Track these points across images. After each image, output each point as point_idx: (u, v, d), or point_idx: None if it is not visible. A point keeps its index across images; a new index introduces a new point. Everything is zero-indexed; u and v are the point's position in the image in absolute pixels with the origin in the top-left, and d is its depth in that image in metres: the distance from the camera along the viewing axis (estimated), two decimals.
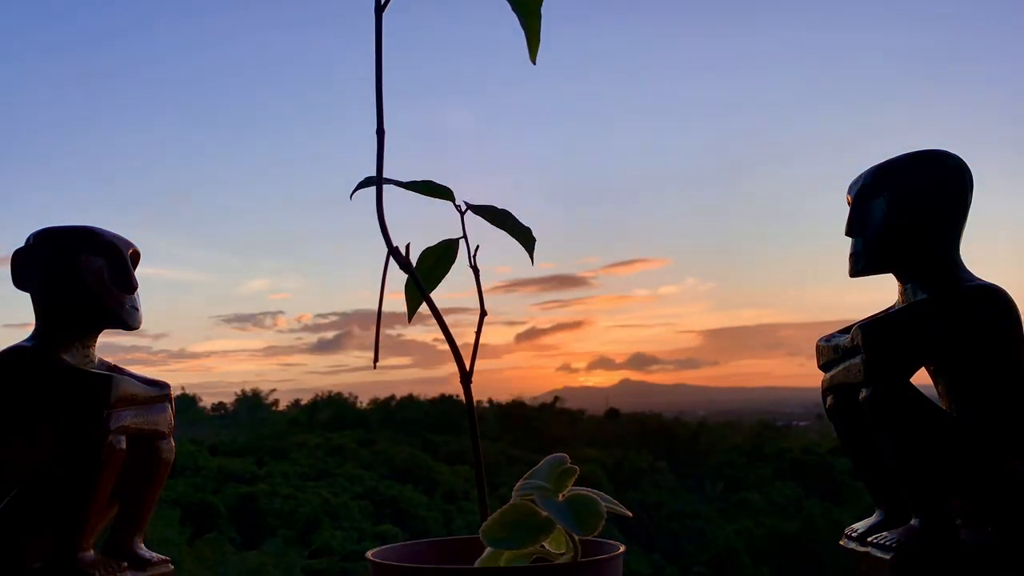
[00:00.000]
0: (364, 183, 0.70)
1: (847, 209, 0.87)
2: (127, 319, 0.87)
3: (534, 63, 0.68)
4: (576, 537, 0.59)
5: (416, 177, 0.72)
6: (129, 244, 0.90)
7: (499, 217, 0.73)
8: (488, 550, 0.60)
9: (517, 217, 0.74)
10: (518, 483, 0.61)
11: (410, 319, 0.72)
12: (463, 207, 0.73)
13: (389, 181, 0.70)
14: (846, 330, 0.85)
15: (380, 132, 0.70)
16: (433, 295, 0.71)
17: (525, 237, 0.74)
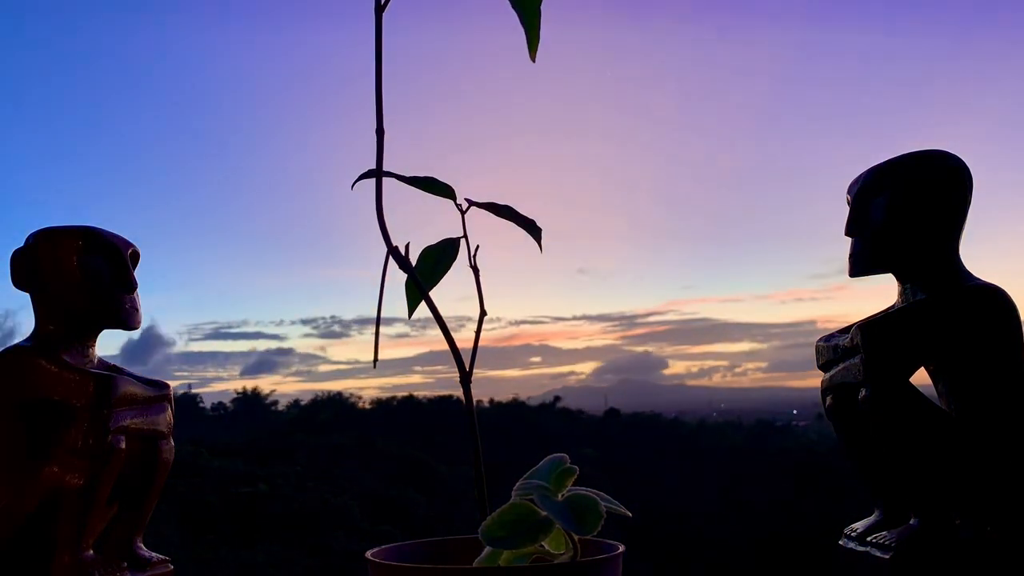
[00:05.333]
0: (366, 175, 0.70)
1: (847, 209, 0.87)
2: (127, 319, 0.87)
3: (534, 61, 0.68)
4: (575, 537, 0.59)
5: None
6: (129, 244, 0.90)
7: (502, 211, 0.73)
8: (487, 550, 0.60)
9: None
10: (518, 483, 0.61)
11: (410, 315, 0.72)
12: (464, 205, 0.73)
13: (391, 175, 0.70)
14: (845, 330, 0.85)
15: (380, 132, 0.70)
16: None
17: (531, 228, 0.74)
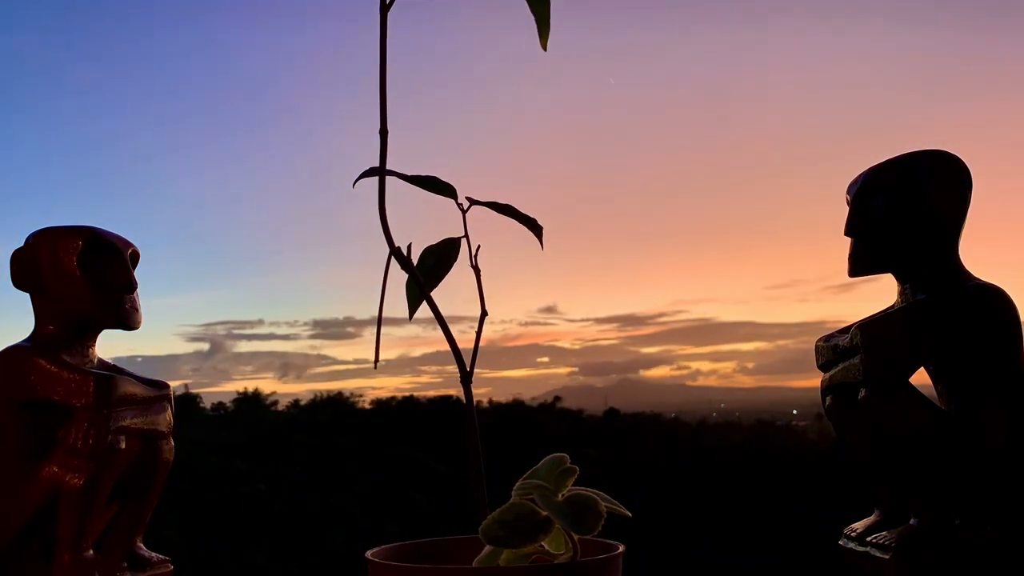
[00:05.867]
0: (367, 173, 0.70)
1: (846, 209, 0.87)
2: (127, 319, 0.88)
3: (545, 49, 0.69)
4: (575, 537, 0.59)
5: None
6: (128, 244, 0.90)
7: (503, 210, 0.74)
8: (487, 549, 0.60)
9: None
10: (518, 483, 0.61)
11: (411, 316, 0.72)
12: (465, 204, 0.73)
13: (392, 173, 0.70)
14: (845, 330, 0.85)
15: (383, 132, 0.70)
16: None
17: (532, 226, 0.75)
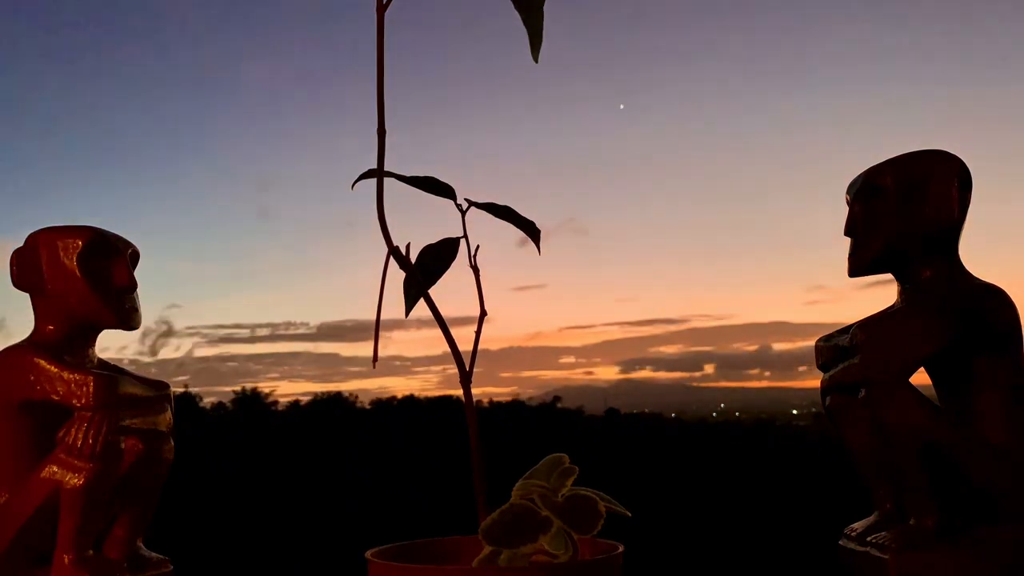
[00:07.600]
0: (366, 175, 0.70)
1: (846, 209, 0.87)
2: (127, 319, 0.87)
3: (536, 62, 0.68)
4: (575, 537, 0.59)
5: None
6: (129, 244, 0.90)
7: (501, 212, 0.73)
8: (487, 550, 0.60)
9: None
10: (518, 483, 0.61)
11: (407, 313, 0.72)
12: (464, 205, 0.73)
13: (391, 175, 0.70)
14: (845, 330, 0.85)
15: (381, 132, 0.70)
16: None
17: (530, 229, 0.74)
